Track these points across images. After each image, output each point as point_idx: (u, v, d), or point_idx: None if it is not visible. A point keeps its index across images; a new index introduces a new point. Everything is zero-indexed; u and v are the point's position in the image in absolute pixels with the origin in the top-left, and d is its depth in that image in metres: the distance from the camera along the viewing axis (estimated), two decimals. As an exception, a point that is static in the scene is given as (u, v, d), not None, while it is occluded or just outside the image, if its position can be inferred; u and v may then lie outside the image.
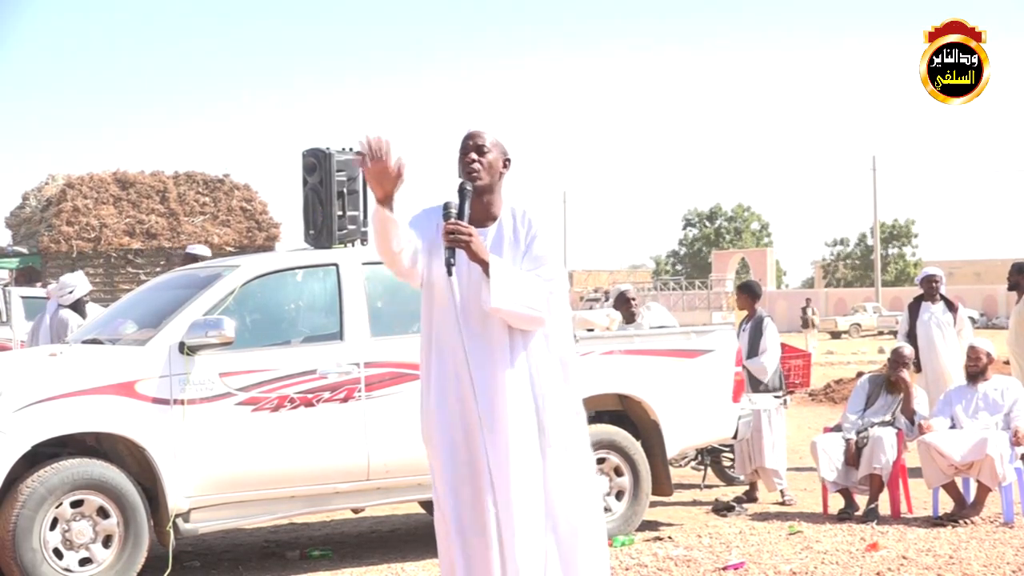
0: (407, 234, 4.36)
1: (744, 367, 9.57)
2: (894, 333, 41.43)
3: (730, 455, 10.45)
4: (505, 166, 4.53)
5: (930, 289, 11.28)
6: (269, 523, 8.18)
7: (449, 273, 4.31)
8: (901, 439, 8.83)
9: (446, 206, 4.37)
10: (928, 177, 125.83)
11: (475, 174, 4.45)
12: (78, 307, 9.52)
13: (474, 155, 4.46)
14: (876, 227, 59.99)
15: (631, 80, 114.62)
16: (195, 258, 10.81)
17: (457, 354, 4.41)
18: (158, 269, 21.55)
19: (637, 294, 10.21)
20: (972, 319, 13.23)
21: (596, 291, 50.32)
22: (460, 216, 4.34)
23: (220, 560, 7.91)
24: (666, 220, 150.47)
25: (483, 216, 4.48)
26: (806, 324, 38.43)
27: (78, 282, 9.58)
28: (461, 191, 4.42)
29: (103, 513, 6.63)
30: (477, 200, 4.46)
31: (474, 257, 4.31)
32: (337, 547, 8.18)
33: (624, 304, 10.13)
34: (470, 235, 4.29)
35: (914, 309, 11.30)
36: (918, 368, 10.76)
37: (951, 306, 11.24)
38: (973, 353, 8.94)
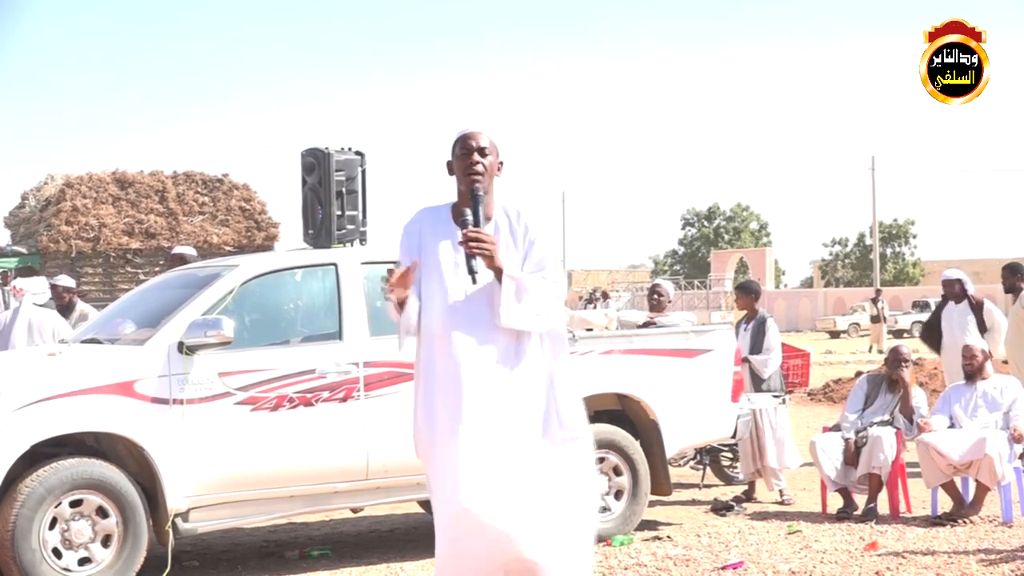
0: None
1: (747, 360, 9.59)
2: (892, 333, 41.47)
3: (729, 455, 10.46)
4: (499, 168, 4.55)
5: (952, 292, 11.27)
6: (268, 523, 8.18)
7: (474, 281, 4.35)
8: (900, 438, 8.84)
9: (463, 214, 4.41)
10: (927, 177, 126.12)
11: (478, 178, 4.45)
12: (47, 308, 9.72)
13: (477, 157, 4.47)
14: (875, 227, 59.95)
15: (630, 80, 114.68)
16: (182, 258, 10.43)
17: (453, 356, 4.40)
18: (157, 269, 21.49)
19: (666, 292, 10.18)
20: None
21: (595, 291, 50.25)
22: (476, 222, 4.37)
23: (219, 560, 7.91)
24: (664, 220, 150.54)
25: None
26: (876, 319, 34.67)
27: (40, 286, 9.81)
28: (474, 196, 4.43)
29: (102, 513, 6.63)
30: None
31: (491, 265, 4.34)
32: (336, 547, 8.18)
33: (650, 295, 10.17)
34: (493, 244, 4.33)
35: (940, 307, 11.37)
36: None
37: (976, 305, 11.22)
38: (968, 352, 8.95)
